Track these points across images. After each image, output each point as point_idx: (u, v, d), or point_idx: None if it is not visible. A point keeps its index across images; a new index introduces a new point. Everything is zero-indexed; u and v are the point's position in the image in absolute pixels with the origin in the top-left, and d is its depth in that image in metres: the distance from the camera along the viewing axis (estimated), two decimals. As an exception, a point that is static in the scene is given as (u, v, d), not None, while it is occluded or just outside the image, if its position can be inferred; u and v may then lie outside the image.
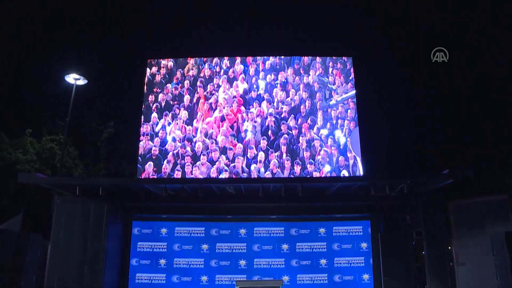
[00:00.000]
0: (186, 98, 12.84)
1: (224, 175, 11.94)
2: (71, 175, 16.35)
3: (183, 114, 12.66)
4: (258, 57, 13.27)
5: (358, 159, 12.15)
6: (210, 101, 12.81)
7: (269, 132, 12.44)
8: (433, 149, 17.66)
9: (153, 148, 12.27)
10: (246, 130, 12.48)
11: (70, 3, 22.33)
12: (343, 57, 13.24)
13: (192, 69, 13.18)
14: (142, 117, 12.68)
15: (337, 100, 12.66)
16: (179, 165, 12.14)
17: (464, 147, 16.87)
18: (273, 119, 12.55)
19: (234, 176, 11.87)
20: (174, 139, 12.41)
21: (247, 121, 12.58)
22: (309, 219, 12.15)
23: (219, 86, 12.96)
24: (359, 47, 19.50)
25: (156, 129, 12.56)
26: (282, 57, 13.27)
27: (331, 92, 12.79)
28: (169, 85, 13.01)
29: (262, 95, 12.85)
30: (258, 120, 12.60)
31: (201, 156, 12.19)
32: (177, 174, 12.00)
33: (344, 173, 12.02)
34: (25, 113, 18.28)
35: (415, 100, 19.04)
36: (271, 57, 13.26)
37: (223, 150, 12.24)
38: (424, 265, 10.70)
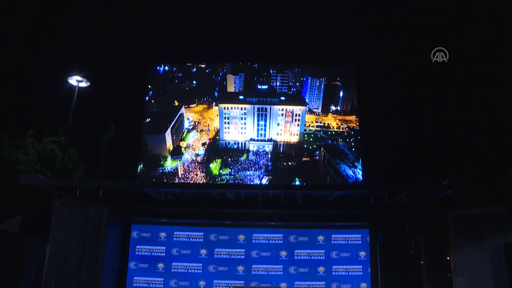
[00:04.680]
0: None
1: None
2: (72, 177, 16.34)
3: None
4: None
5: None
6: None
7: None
8: (433, 159, 17.65)
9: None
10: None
11: (73, 6, 22.50)
12: (344, 65, 13.38)
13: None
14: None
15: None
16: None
17: (465, 158, 16.87)
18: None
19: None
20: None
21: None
22: (308, 226, 12.15)
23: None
24: (360, 54, 19.59)
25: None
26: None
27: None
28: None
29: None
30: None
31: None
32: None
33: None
34: (27, 114, 18.30)
35: (416, 109, 19.07)
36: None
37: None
38: (423, 275, 10.66)
